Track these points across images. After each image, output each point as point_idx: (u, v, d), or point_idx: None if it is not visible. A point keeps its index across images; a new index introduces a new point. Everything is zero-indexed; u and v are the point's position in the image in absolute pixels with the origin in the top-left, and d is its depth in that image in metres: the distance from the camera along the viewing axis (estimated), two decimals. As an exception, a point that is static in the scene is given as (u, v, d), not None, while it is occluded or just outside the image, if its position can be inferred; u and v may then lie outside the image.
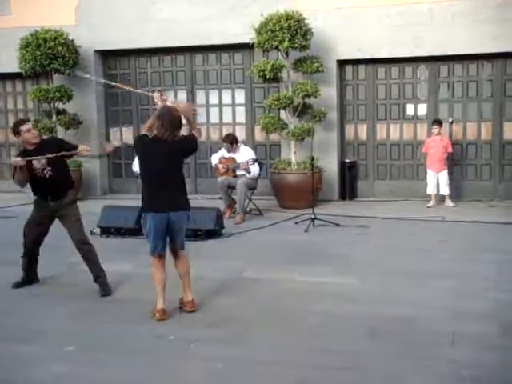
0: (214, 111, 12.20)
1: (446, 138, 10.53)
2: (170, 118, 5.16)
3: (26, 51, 11.20)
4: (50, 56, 11.17)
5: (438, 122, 10.37)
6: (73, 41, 11.59)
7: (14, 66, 11.66)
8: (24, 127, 5.95)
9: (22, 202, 11.56)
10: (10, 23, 12.16)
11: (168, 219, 5.26)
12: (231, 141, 9.77)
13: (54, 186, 6.03)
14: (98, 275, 6.06)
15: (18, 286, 6.20)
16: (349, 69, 11.47)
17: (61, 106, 11.74)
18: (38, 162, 5.94)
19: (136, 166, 9.80)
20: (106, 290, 5.97)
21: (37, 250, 6.23)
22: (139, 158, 5.40)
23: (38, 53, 11.11)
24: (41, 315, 5.43)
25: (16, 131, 6.01)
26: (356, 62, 11.30)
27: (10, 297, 5.97)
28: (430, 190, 10.40)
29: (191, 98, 12.17)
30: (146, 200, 5.30)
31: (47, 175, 5.98)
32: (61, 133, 11.67)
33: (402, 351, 4.46)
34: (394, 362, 4.28)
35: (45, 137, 6.14)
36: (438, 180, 10.36)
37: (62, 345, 4.72)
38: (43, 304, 5.72)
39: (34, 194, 6.15)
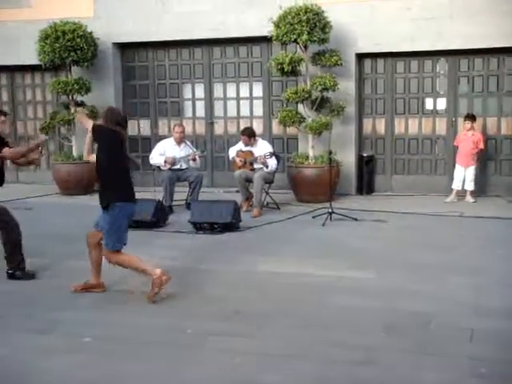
0: (232, 104, 12.18)
1: (479, 134, 10.37)
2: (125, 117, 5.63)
3: (45, 43, 11.23)
4: (68, 48, 11.19)
5: (471, 117, 10.25)
6: (91, 33, 11.60)
7: (33, 58, 11.71)
8: (1, 118, 6.15)
9: (40, 193, 11.69)
10: (29, 15, 12.21)
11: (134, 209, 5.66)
12: (249, 134, 9.75)
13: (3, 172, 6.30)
14: None
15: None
16: (368, 62, 11.39)
17: (79, 98, 11.77)
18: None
19: (153, 159, 9.84)
20: None
21: None
22: (113, 150, 5.45)
23: (57, 45, 11.14)
24: (59, 306, 5.45)
25: None
26: (375, 56, 11.22)
27: (29, 287, 5.99)
28: (456, 184, 10.30)
29: (208, 90, 12.17)
30: (118, 190, 5.42)
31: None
32: (79, 126, 11.71)
33: (419, 346, 4.42)
34: (411, 358, 4.25)
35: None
36: (464, 175, 10.26)
37: (80, 336, 4.74)
38: (62, 295, 5.72)
39: None
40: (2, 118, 6.23)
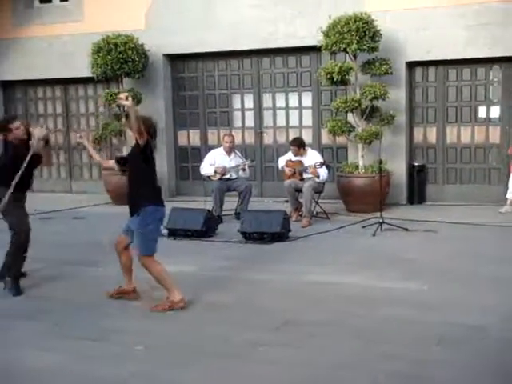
0: (281, 114, 12.17)
1: None
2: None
3: (98, 56, 11.45)
4: (120, 60, 11.39)
5: None
6: (142, 45, 11.78)
7: (86, 71, 11.96)
8: (14, 124, 6.10)
9: (93, 202, 11.89)
10: (82, 29, 12.48)
11: None
12: (299, 144, 9.73)
13: (32, 176, 6.32)
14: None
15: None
16: (418, 71, 11.24)
17: (130, 109, 11.93)
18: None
19: (204, 169, 9.91)
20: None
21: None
22: (151, 157, 5.56)
23: (109, 57, 11.34)
24: (113, 314, 5.53)
25: (6, 128, 6.09)
26: (426, 64, 11.06)
27: (80, 295, 6.09)
28: (510, 194, 10.04)
29: (258, 100, 12.20)
30: (149, 195, 5.54)
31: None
32: (129, 135, 11.89)
33: (473, 360, 4.31)
34: (464, 372, 4.15)
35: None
36: None
37: (131, 344, 4.78)
38: (115, 303, 5.80)
39: (21, 187, 6.08)
40: (16, 123, 6.15)
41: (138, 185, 5.54)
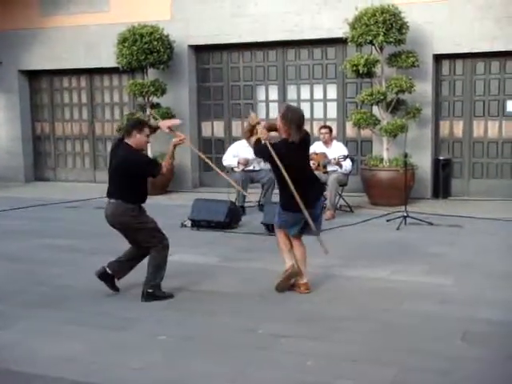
0: (306, 106, 12.06)
1: None
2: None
3: (124, 46, 11.46)
4: (145, 51, 11.40)
5: None
6: (168, 36, 11.79)
7: (111, 61, 11.99)
8: (145, 130, 5.55)
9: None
10: (108, 19, 12.52)
11: None
12: (330, 128, 9.88)
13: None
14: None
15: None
16: (445, 64, 11.11)
17: (155, 99, 11.97)
18: None
19: (227, 161, 9.90)
20: None
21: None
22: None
23: (135, 48, 11.36)
24: (136, 304, 5.55)
25: (141, 128, 5.51)
26: (453, 57, 10.93)
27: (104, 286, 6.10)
28: None
29: (282, 92, 12.15)
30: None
31: None
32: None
33: (498, 357, 4.25)
34: (489, 368, 4.09)
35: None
36: None
37: (155, 334, 4.79)
38: (139, 293, 5.82)
39: (142, 198, 5.82)
40: (146, 130, 5.56)
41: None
